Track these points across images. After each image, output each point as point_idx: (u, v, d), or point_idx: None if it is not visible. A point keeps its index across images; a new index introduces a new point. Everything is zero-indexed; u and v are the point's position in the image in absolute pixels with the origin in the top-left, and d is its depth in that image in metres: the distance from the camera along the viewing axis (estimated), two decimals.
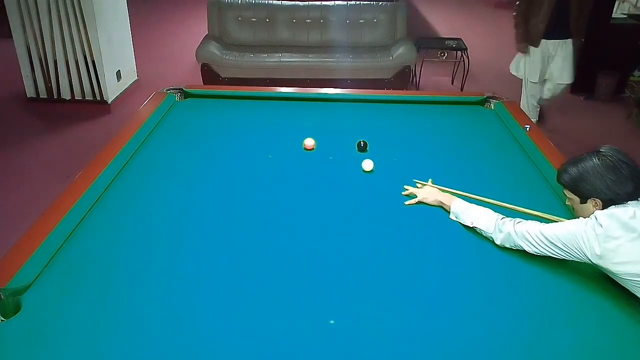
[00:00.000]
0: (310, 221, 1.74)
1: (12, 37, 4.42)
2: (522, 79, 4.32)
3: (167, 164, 2.09)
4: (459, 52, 5.34)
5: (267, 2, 5.18)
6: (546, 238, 1.48)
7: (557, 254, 1.48)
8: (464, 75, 5.34)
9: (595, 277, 1.49)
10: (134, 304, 1.36)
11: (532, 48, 4.08)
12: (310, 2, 5.25)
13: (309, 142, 2.21)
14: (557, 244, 1.46)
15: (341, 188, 1.95)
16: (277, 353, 1.22)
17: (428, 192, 1.85)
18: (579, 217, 1.52)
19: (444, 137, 2.38)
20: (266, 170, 2.06)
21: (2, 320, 1.26)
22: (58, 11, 4.30)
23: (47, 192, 3.22)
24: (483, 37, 7.40)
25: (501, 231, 1.58)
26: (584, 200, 1.48)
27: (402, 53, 4.90)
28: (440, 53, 5.36)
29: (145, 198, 1.85)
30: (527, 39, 4.05)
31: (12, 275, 1.37)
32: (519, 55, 4.25)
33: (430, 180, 1.95)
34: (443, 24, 7.96)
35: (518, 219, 1.59)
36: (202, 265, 1.52)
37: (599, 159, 1.44)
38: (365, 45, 5.19)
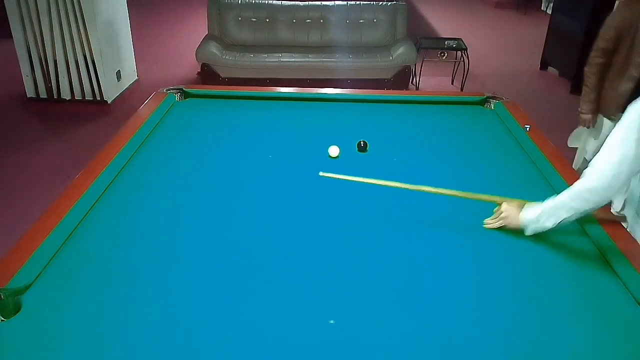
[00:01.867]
0: (310, 221, 1.74)
1: (12, 37, 4.42)
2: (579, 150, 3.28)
3: (167, 164, 2.09)
4: (459, 52, 5.34)
5: (267, 2, 5.19)
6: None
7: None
8: (464, 75, 5.34)
9: (598, 277, 1.49)
10: (134, 303, 1.36)
11: (605, 122, 2.98)
12: (310, 2, 5.26)
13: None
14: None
15: (341, 188, 1.95)
16: (276, 353, 1.22)
17: (507, 216, 1.64)
18: None
19: (444, 137, 2.38)
20: (266, 170, 2.06)
21: (2, 320, 1.26)
22: (58, 11, 4.30)
23: (47, 192, 3.23)
24: (483, 37, 7.41)
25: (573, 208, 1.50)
26: None
27: (402, 53, 4.90)
28: (440, 53, 5.36)
29: (145, 198, 1.85)
30: (597, 109, 2.99)
31: (12, 275, 1.36)
32: (580, 128, 3.15)
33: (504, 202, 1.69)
34: (443, 24, 7.96)
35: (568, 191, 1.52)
36: (201, 265, 1.51)
37: None
38: (365, 45, 5.20)
